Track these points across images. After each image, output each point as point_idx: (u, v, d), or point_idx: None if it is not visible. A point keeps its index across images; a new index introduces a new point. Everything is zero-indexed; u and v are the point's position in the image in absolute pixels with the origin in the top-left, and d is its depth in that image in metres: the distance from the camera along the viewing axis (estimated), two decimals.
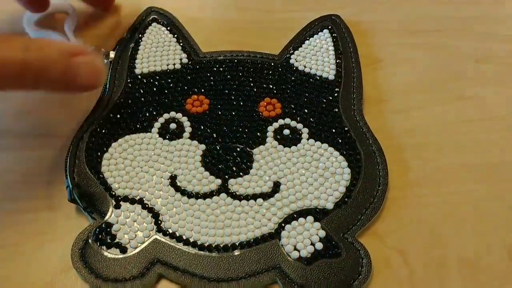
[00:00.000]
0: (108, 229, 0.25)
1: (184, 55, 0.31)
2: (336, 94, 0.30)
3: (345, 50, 0.32)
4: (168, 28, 0.33)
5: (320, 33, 0.33)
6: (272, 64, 0.31)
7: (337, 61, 0.31)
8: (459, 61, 0.33)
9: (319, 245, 0.25)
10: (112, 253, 0.24)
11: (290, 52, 0.32)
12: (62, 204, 0.26)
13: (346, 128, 0.28)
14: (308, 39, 0.32)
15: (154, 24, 0.33)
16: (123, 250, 0.24)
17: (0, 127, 0.30)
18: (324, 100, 0.30)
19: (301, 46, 0.32)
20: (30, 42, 0.26)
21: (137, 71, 0.30)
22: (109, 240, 0.25)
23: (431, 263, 0.25)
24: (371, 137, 0.28)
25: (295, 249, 0.25)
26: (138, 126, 0.28)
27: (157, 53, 0.31)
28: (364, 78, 0.31)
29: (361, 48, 0.32)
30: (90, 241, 0.25)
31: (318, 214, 0.26)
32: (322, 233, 0.25)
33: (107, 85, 0.30)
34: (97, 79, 0.27)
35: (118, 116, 0.29)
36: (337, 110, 0.29)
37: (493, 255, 0.25)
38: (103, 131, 0.28)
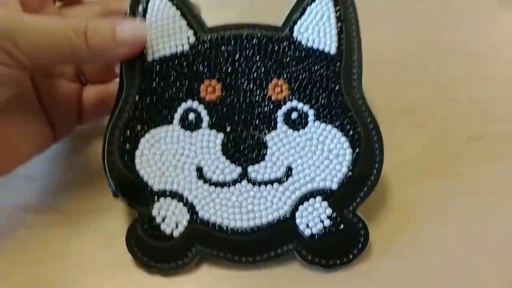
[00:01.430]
0: (152, 222, 0.30)
1: (190, 32, 0.32)
2: (337, 69, 0.32)
3: (346, 16, 0.33)
4: None
5: None
6: (277, 38, 0.32)
7: (338, 30, 0.32)
8: (452, 138, 0.36)
9: (327, 222, 0.30)
10: (159, 242, 0.30)
11: (293, 22, 0.33)
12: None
13: (347, 108, 0.32)
14: (310, 5, 0.33)
15: None
16: (168, 239, 0.30)
17: None
18: (327, 78, 0.32)
19: (303, 15, 0.33)
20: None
21: (149, 57, 0.31)
22: (154, 231, 0.30)
23: None
24: (369, 116, 0.32)
25: (308, 227, 0.30)
26: (159, 118, 0.31)
27: (164, 32, 0.32)
28: None
29: None
30: (139, 232, 0.30)
31: (325, 194, 0.31)
32: (329, 211, 0.30)
33: (124, 78, 0.31)
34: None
35: (141, 110, 0.31)
36: (338, 87, 0.32)
37: None
38: (130, 128, 0.31)
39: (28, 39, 0.27)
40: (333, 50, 0.32)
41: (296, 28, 0.33)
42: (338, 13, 0.33)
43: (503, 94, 0.39)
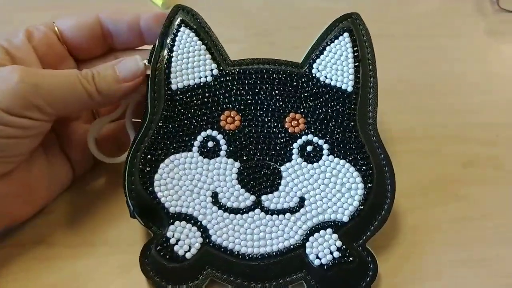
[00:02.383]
0: (166, 243, 0.31)
1: (214, 65, 0.34)
2: (353, 106, 0.33)
3: (363, 56, 0.34)
4: (197, 32, 0.34)
5: (340, 38, 0.34)
6: (296, 74, 0.34)
7: (356, 69, 0.34)
8: (449, 164, 0.38)
9: (337, 254, 0.31)
10: (172, 263, 0.31)
11: (312, 60, 0.34)
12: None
13: (361, 143, 0.33)
14: (329, 45, 0.34)
15: (183, 28, 0.34)
16: (180, 260, 0.31)
17: None
18: (343, 114, 0.33)
19: (323, 54, 0.34)
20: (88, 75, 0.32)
21: (173, 86, 0.33)
22: (167, 252, 0.31)
23: None
24: (382, 152, 0.33)
25: (317, 257, 0.31)
26: (180, 145, 0.32)
27: (189, 64, 0.34)
28: None
29: None
30: (153, 252, 0.31)
31: (336, 226, 0.31)
32: (339, 243, 0.31)
33: (148, 104, 0.33)
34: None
35: (162, 136, 0.32)
36: (353, 124, 0.33)
37: None
38: (151, 153, 0.32)
39: (53, 93, 0.30)
40: (350, 88, 0.34)
41: (315, 65, 0.34)
42: (356, 53, 0.34)
43: (497, 120, 0.41)
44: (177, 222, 0.31)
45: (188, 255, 0.31)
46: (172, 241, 0.31)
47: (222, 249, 0.31)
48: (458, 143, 0.40)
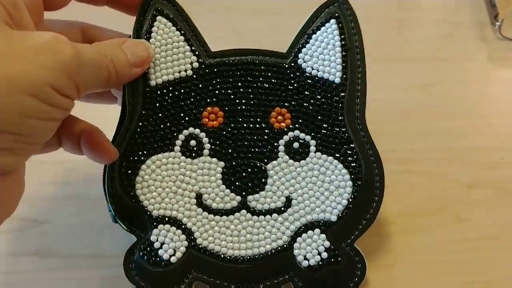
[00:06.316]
0: (150, 248, 0.30)
1: (194, 58, 0.32)
2: (341, 99, 0.32)
3: (351, 44, 0.32)
4: (174, 22, 0.32)
5: (327, 25, 0.32)
6: (281, 65, 0.32)
7: (343, 59, 0.32)
8: (454, 186, 0.38)
9: (325, 255, 0.30)
10: (156, 268, 0.30)
11: (298, 49, 0.32)
12: None
13: (350, 139, 0.31)
14: (315, 33, 0.32)
15: (159, 18, 0.31)
16: (165, 265, 0.30)
17: None
18: (330, 108, 0.32)
19: (308, 43, 0.32)
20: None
21: (152, 82, 0.31)
22: (152, 257, 0.30)
23: None
24: (371, 148, 0.31)
25: (305, 258, 0.30)
26: (160, 145, 0.31)
27: (168, 58, 0.31)
28: None
29: None
30: (137, 257, 0.30)
31: (324, 226, 0.31)
32: (327, 244, 0.30)
33: (126, 103, 0.31)
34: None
35: (142, 136, 0.31)
36: (341, 118, 0.32)
37: None
38: (131, 154, 0.31)
39: (89, 71, 0.27)
40: (337, 80, 0.32)
41: (300, 55, 0.32)
42: (343, 41, 0.32)
43: (501, 144, 0.41)
44: (160, 226, 0.30)
45: (173, 259, 0.30)
46: (156, 245, 0.30)
47: (208, 252, 0.30)
48: (462, 165, 0.39)
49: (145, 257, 0.30)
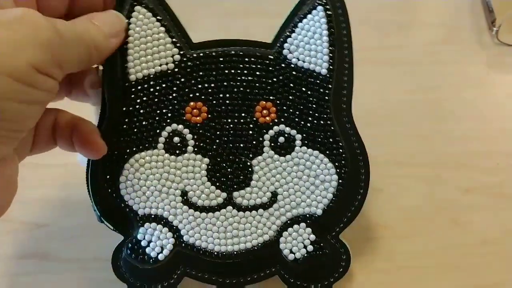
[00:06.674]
0: (137, 246, 0.30)
1: (175, 50, 0.30)
2: (327, 92, 0.31)
3: (339, 34, 0.31)
4: (154, 12, 0.30)
5: (313, 12, 0.31)
6: (266, 57, 0.31)
7: (330, 49, 0.31)
8: (448, 191, 0.38)
9: (310, 248, 0.31)
10: (144, 265, 0.30)
11: (283, 39, 0.31)
12: None
13: (336, 133, 0.31)
14: (301, 21, 0.31)
15: (137, 8, 0.30)
16: (153, 262, 0.30)
17: None
18: (316, 100, 0.31)
19: (294, 32, 0.31)
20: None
21: (132, 77, 0.30)
22: (140, 255, 0.30)
23: None
24: (357, 141, 0.31)
25: (291, 252, 0.31)
26: (143, 142, 0.30)
27: (148, 51, 0.30)
28: (367, 205, 0.32)
29: None
30: (124, 255, 0.30)
31: (309, 220, 0.31)
32: (313, 237, 0.31)
33: (106, 99, 0.30)
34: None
35: (124, 134, 0.30)
36: (328, 111, 0.31)
37: None
38: (114, 153, 0.30)
39: (72, 48, 0.25)
40: (324, 71, 0.31)
41: (286, 46, 0.31)
42: (330, 30, 0.31)
43: (498, 148, 0.41)
44: (147, 224, 0.30)
45: (160, 256, 0.30)
46: (144, 243, 0.30)
47: (195, 249, 0.31)
48: (459, 170, 0.39)
49: (133, 255, 0.30)
